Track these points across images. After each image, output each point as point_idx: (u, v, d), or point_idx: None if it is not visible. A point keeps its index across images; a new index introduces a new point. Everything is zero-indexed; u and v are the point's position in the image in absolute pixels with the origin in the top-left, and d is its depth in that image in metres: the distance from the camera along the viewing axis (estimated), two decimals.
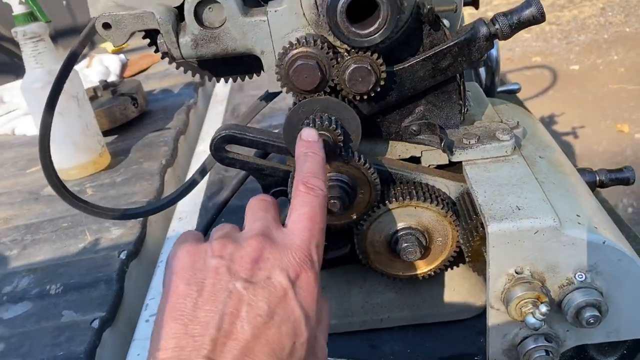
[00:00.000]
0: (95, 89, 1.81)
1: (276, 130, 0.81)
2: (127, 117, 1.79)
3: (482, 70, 1.27)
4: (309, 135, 0.63)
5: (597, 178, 0.89)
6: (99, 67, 2.27)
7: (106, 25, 0.69)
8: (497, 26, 0.65)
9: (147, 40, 0.75)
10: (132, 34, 0.71)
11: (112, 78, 2.27)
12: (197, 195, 1.41)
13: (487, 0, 6.17)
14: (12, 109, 2.06)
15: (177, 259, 0.54)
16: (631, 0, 5.95)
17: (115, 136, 1.79)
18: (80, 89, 1.53)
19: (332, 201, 0.68)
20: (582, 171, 0.90)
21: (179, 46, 0.69)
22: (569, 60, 5.13)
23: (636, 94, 4.32)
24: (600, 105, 4.27)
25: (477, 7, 1.35)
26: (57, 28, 2.80)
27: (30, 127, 1.96)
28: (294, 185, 0.58)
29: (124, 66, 2.38)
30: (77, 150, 1.52)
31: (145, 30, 0.71)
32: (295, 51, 0.63)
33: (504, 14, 0.66)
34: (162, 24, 0.67)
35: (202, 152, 1.71)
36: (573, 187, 0.69)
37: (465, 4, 1.37)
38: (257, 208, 0.60)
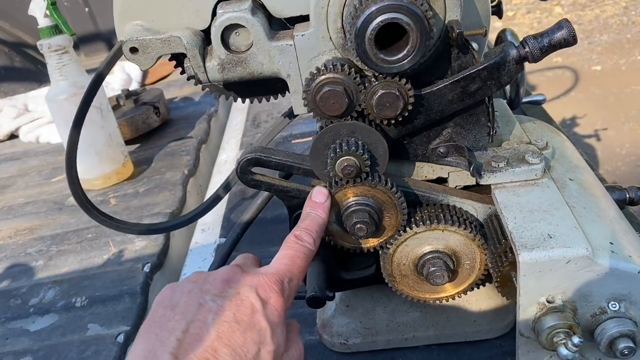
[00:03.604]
0: (117, 98, 1.83)
1: (300, 152, 0.80)
2: (150, 126, 1.81)
3: None
4: (317, 196, 0.69)
5: (627, 196, 0.87)
6: (120, 74, 2.29)
7: (133, 50, 0.69)
8: (527, 49, 0.64)
9: None
10: (159, 57, 0.71)
11: (134, 85, 2.29)
12: (219, 206, 1.41)
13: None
14: (37, 117, 2.09)
15: (161, 293, 0.60)
16: None
17: (138, 145, 1.81)
18: (104, 100, 1.55)
19: (358, 225, 0.68)
20: (611, 189, 0.88)
21: (205, 70, 0.69)
22: (591, 60, 5.05)
23: None
24: (623, 106, 4.20)
25: (500, 17, 1.34)
26: (80, 35, 2.83)
27: (54, 135, 1.99)
28: (287, 236, 0.65)
29: (145, 73, 2.40)
30: (101, 160, 1.54)
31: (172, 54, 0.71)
32: (322, 77, 0.63)
33: (534, 37, 0.64)
34: (189, 48, 0.67)
35: (223, 161, 1.72)
36: (604, 212, 0.67)
37: None
38: (239, 257, 0.70)
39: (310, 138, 1.64)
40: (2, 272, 1.32)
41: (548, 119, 1.49)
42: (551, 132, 0.84)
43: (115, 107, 1.78)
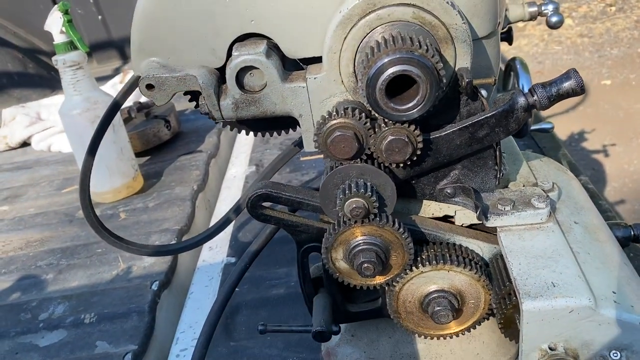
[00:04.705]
0: (129, 111, 1.85)
1: (308, 185, 0.82)
2: (160, 139, 1.83)
3: None
4: None
5: (632, 233, 0.88)
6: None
7: (149, 86, 0.71)
8: (535, 97, 0.65)
9: None
10: (174, 94, 0.73)
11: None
12: None
13: None
14: (49, 127, 2.12)
15: None
16: None
17: (148, 157, 1.83)
18: (117, 115, 1.57)
19: (365, 265, 0.69)
20: (616, 226, 0.89)
21: (220, 108, 0.70)
22: (600, 74, 5.04)
23: None
24: (632, 122, 4.18)
25: (510, 43, 1.35)
26: (92, 42, 2.86)
27: (66, 145, 2.01)
28: None
29: None
30: (112, 174, 1.56)
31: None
32: (333, 122, 0.64)
33: (543, 85, 0.66)
34: (205, 87, 0.69)
35: (232, 177, 1.74)
36: (609, 257, 0.68)
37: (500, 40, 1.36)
38: None
39: (318, 156, 1.65)
40: (13, 284, 1.34)
41: (556, 145, 1.50)
42: (558, 171, 0.85)
43: (127, 120, 1.81)
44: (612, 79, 4.91)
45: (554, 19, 1.21)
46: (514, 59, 1.22)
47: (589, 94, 4.71)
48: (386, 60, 0.58)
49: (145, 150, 1.82)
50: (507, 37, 1.32)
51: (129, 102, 2.09)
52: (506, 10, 1.30)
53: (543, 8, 1.24)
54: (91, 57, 2.89)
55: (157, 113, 1.87)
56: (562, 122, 4.25)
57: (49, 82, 2.73)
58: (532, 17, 1.28)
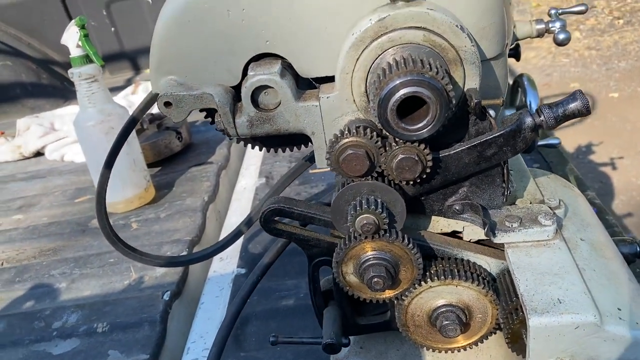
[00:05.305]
0: (142, 122, 1.88)
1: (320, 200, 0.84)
2: (172, 150, 1.86)
3: None
4: None
5: (638, 249, 0.89)
6: (144, 94, 2.35)
7: (167, 104, 0.73)
8: (542, 118, 0.67)
9: None
10: (191, 111, 0.75)
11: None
12: None
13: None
14: (62, 137, 2.15)
15: None
16: None
17: (159, 168, 1.86)
18: None
19: (375, 279, 0.71)
20: (622, 242, 0.90)
21: (235, 126, 0.73)
22: (608, 87, 5.04)
23: None
24: None
25: (518, 60, 1.37)
26: (106, 53, 2.91)
27: (79, 155, 2.04)
28: None
29: None
30: (124, 185, 1.59)
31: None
32: (345, 140, 0.66)
33: (550, 106, 0.67)
34: (221, 106, 0.71)
35: (242, 188, 1.76)
36: (614, 274, 0.70)
37: (508, 56, 1.38)
38: None
39: (326, 169, 1.67)
40: (26, 293, 1.37)
41: (563, 160, 1.51)
42: (564, 188, 0.86)
43: (139, 131, 1.84)
44: (620, 92, 4.91)
45: (562, 36, 1.23)
46: (521, 75, 1.24)
47: (597, 107, 4.71)
48: (398, 82, 0.60)
49: (157, 161, 1.84)
50: (515, 53, 1.34)
51: None
52: (514, 27, 1.32)
53: (550, 25, 1.25)
54: (104, 68, 2.93)
55: (169, 125, 1.90)
56: (569, 135, 4.25)
57: (62, 92, 2.78)
58: (540, 34, 1.30)
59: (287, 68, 0.72)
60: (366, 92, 0.68)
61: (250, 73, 0.70)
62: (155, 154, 1.82)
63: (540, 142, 1.35)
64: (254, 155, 1.95)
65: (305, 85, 0.74)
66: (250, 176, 1.81)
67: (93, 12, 2.82)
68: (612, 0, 6.62)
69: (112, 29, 2.91)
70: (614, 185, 3.65)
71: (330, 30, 0.68)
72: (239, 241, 1.43)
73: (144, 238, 1.48)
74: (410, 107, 0.64)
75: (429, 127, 0.62)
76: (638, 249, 0.90)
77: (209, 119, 0.77)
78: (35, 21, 2.80)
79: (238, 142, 0.84)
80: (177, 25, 0.71)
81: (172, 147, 1.86)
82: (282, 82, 0.69)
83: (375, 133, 0.67)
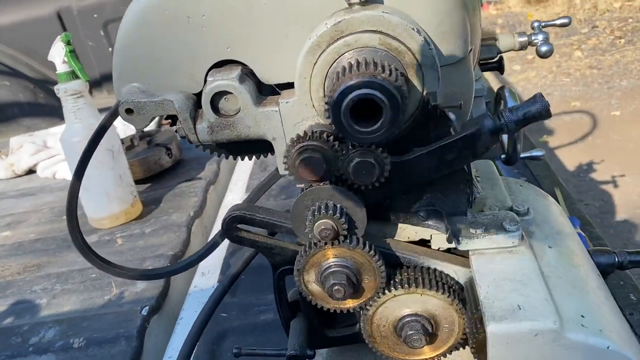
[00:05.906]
0: (132, 139, 1.88)
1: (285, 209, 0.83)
2: (162, 166, 1.86)
3: (504, 137, 1.27)
4: None
5: (617, 260, 0.87)
6: None
7: (129, 111, 0.73)
8: (502, 121, 0.66)
9: None
10: (153, 118, 0.75)
11: (151, 126, 2.35)
12: (220, 250, 1.44)
13: None
14: (55, 154, 2.16)
15: None
16: None
17: (149, 185, 1.85)
18: (116, 141, 1.60)
19: (336, 287, 0.69)
20: (600, 253, 0.88)
21: (195, 132, 0.72)
22: (610, 105, 5.03)
23: None
24: None
25: (502, 72, 1.36)
26: (102, 72, 2.94)
27: (70, 173, 2.05)
28: None
29: None
30: (110, 201, 1.58)
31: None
32: (301, 144, 0.65)
33: (510, 110, 0.66)
34: (180, 112, 0.71)
35: (230, 203, 1.75)
36: (582, 281, 0.68)
37: (491, 69, 1.38)
38: None
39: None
40: (7, 309, 1.35)
41: (550, 173, 1.50)
42: (537, 196, 0.85)
43: (129, 148, 1.84)
44: (622, 110, 4.90)
45: (544, 49, 1.22)
46: (502, 87, 1.23)
47: (598, 125, 4.70)
48: (350, 83, 0.59)
49: (146, 177, 1.84)
50: (499, 66, 1.33)
51: (132, 131, 2.13)
52: (496, 40, 1.32)
53: (533, 38, 1.25)
54: (101, 87, 2.96)
55: (159, 141, 1.90)
56: (571, 152, 4.23)
57: (58, 111, 2.78)
58: (523, 47, 1.30)
59: (248, 74, 0.71)
60: (324, 96, 0.67)
61: (209, 79, 0.70)
62: (145, 170, 1.82)
63: (524, 154, 1.33)
64: (243, 171, 1.94)
65: (268, 92, 0.74)
66: (237, 191, 1.80)
67: (90, 33, 2.86)
68: (613, 20, 6.66)
69: (110, 49, 2.94)
70: (615, 204, 3.61)
71: (290, 37, 0.68)
72: (221, 256, 1.42)
73: (128, 253, 1.47)
74: (369, 111, 0.64)
75: (382, 131, 0.61)
76: (616, 260, 0.88)
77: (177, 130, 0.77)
78: (33, 41, 2.84)
79: (204, 149, 0.84)
80: (138, 32, 0.71)
81: (162, 163, 1.86)
82: (242, 88, 0.69)
83: (332, 137, 0.66)
